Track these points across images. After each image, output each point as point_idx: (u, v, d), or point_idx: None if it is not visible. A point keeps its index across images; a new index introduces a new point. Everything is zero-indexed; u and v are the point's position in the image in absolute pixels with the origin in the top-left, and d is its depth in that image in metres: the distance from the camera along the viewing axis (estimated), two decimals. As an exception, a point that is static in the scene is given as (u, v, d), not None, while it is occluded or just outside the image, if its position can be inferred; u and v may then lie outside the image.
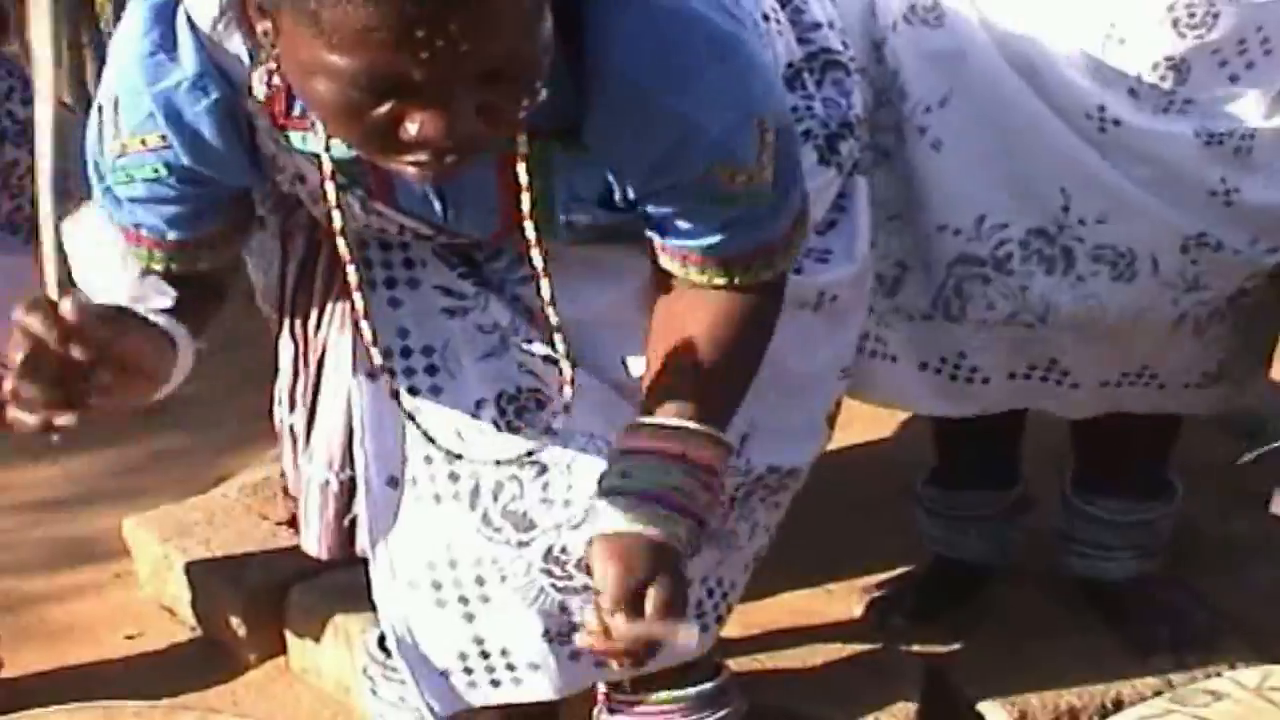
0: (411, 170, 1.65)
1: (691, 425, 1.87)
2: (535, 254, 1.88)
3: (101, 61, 4.48)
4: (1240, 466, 2.44)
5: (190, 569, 3.15)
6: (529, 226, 1.84)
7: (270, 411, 2.34)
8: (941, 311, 2.53)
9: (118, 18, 4.90)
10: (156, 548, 3.22)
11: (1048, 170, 2.43)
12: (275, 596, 3.03)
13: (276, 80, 1.72)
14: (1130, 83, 2.39)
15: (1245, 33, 2.37)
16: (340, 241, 1.90)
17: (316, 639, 2.96)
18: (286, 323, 2.26)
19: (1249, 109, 2.41)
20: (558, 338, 1.98)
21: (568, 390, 2.03)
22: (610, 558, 1.80)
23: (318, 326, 2.20)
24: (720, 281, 1.94)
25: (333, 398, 2.21)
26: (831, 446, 2.41)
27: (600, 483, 1.87)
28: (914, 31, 2.45)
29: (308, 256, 2.19)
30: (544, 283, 1.91)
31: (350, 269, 1.94)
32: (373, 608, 2.29)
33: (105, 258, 1.96)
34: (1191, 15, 2.34)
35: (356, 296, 1.97)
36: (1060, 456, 2.93)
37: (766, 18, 2.17)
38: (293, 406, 2.31)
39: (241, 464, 3.70)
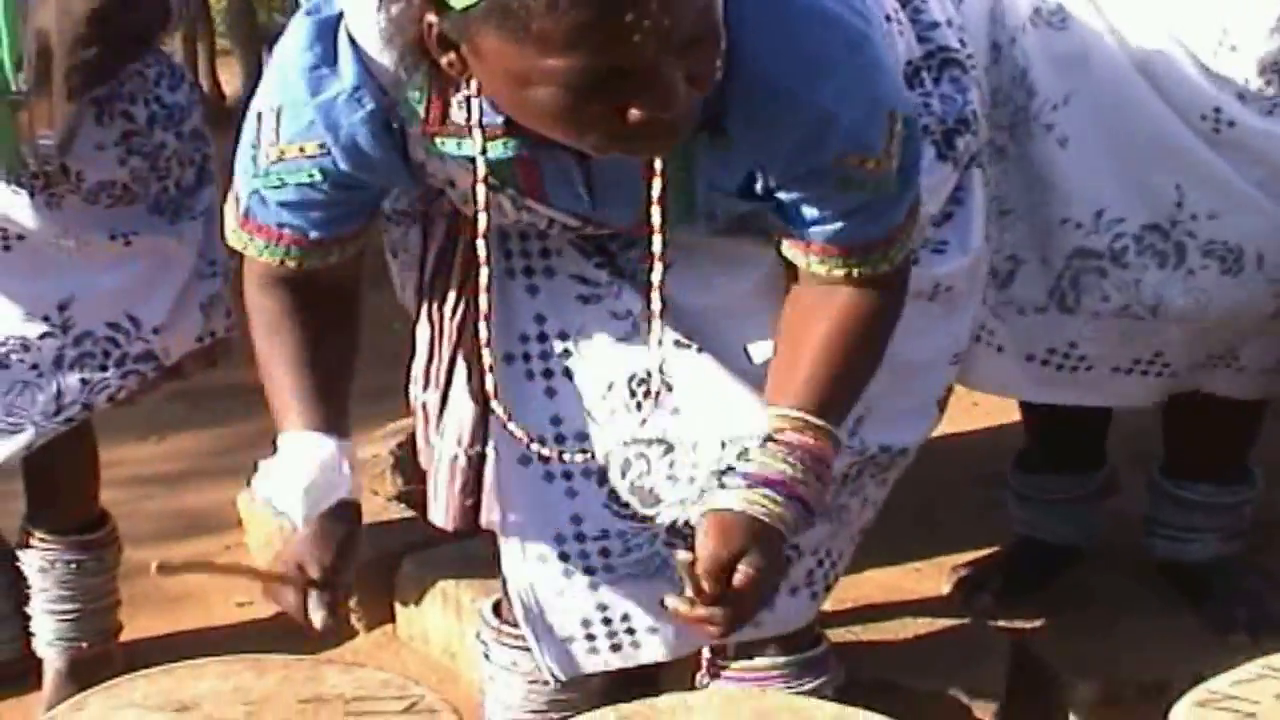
0: (639, 151, 1.86)
1: (808, 418, 2.04)
2: (657, 238, 2.04)
3: (212, 53, 4.67)
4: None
5: (302, 538, 3.31)
6: (656, 212, 2.00)
7: (406, 390, 2.49)
8: (1056, 303, 2.69)
9: (232, 10, 5.06)
10: (272, 519, 3.38)
11: (1163, 168, 2.59)
12: (386, 567, 3.20)
13: (473, 96, 1.90)
14: (1239, 87, 2.54)
15: None
16: (480, 244, 2.06)
17: (425, 607, 3.14)
18: (425, 307, 2.42)
19: None
20: (658, 322, 2.13)
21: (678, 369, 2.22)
22: (712, 532, 1.97)
23: (454, 312, 2.36)
24: (840, 273, 2.09)
25: (466, 378, 2.37)
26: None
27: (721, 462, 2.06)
28: (1040, 33, 2.61)
29: (446, 245, 2.35)
30: (658, 266, 2.07)
31: (484, 271, 2.09)
32: (481, 577, 2.44)
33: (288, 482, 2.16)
34: None
35: (483, 297, 2.12)
36: (1142, 442, 3.09)
37: (889, 18, 2.30)
38: (426, 385, 2.47)
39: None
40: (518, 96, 1.77)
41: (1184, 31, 2.56)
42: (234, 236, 2.17)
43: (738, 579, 1.94)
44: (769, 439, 2.03)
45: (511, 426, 2.24)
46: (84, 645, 3.03)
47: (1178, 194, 2.60)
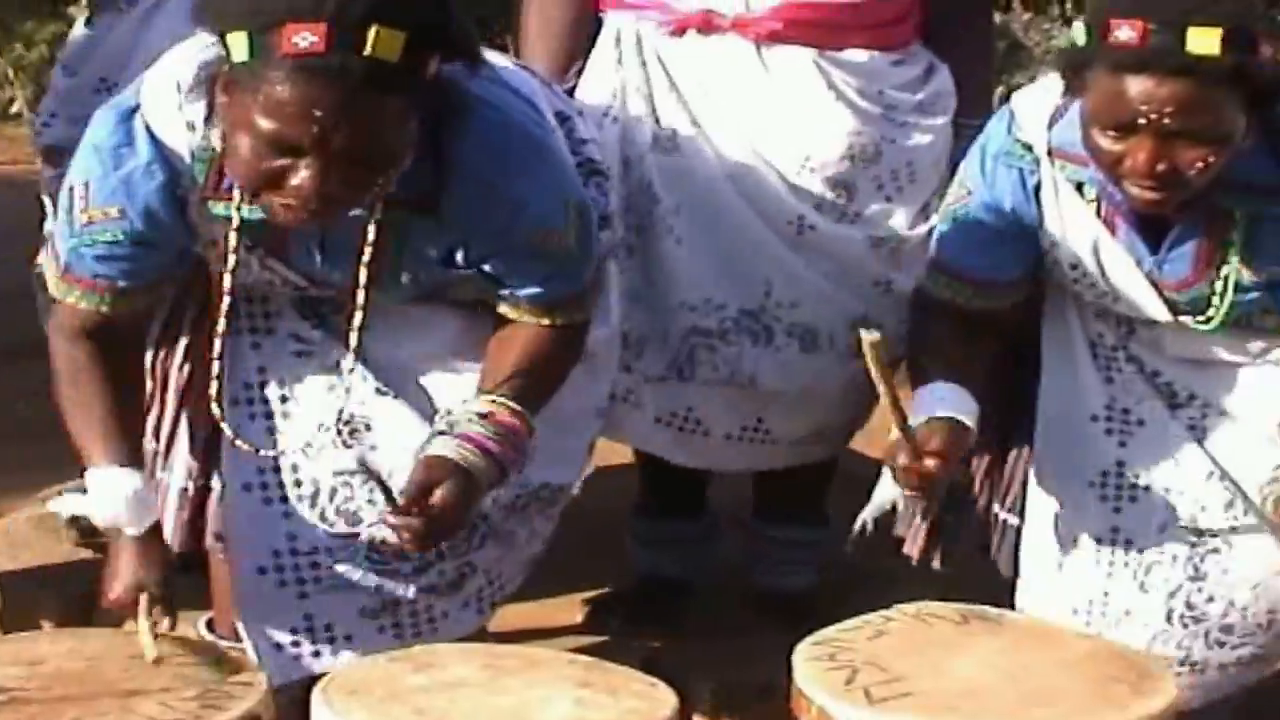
0: (279, 208, 2.46)
1: (506, 401, 2.70)
2: (360, 293, 2.66)
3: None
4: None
5: (3, 579, 3.68)
6: (363, 272, 2.64)
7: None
8: (675, 374, 3.37)
9: None
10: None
11: (755, 264, 3.33)
12: (88, 601, 3.48)
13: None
14: (817, 199, 3.31)
15: (898, 165, 3.35)
16: (228, 277, 2.66)
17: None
18: (150, 362, 2.93)
19: (900, 221, 3.38)
20: (348, 359, 2.73)
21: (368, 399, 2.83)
22: (421, 467, 2.64)
23: (180, 365, 2.88)
24: (545, 322, 2.78)
25: (194, 422, 2.90)
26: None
27: (434, 424, 2.70)
28: (657, 155, 3.33)
29: (172, 313, 2.90)
30: (358, 314, 2.69)
31: (226, 299, 2.68)
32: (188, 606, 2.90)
33: None
34: (864, 151, 3.31)
35: (221, 321, 2.70)
36: (739, 495, 3.79)
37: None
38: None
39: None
40: (231, 137, 2.44)
41: (774, 156, 3.32)
42: (56, 287, 2.70)
43: (434, 498, 2.59)
44: (476, 413, 2.67)
45: (239, 443, 2.80)
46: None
47: (766, 285, 3.33)
